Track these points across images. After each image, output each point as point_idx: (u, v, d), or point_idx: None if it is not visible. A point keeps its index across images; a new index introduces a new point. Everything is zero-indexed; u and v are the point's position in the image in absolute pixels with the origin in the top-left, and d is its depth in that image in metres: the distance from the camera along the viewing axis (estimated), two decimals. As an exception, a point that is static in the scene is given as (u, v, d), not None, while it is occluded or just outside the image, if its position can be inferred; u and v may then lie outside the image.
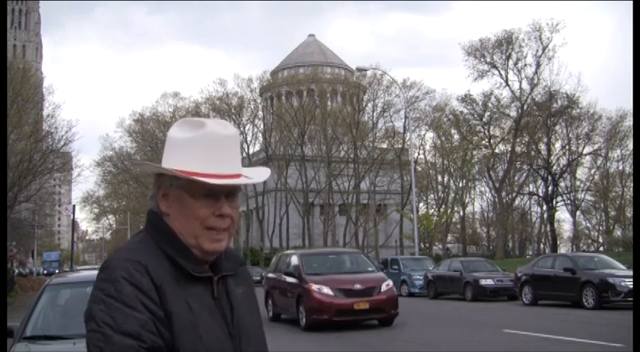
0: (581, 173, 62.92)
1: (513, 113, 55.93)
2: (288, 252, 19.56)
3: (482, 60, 54.84)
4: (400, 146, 61.28)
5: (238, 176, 1.65)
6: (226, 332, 1.64)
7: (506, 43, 54.07)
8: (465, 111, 58.78)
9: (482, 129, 58.75)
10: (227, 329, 1.65)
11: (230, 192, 1.65)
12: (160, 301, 1.55)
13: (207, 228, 1.63)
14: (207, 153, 1.63)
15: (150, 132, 73.18)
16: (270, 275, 17.59)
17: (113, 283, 1.54)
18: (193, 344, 1.55)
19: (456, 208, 68.32)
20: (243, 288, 1.77)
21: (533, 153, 55.11)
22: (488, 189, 68.06)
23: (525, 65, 54.14)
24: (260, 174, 1.74)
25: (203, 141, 1.63)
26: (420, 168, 64.29)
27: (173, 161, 1.64)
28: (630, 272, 17.92)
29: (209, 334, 1.59)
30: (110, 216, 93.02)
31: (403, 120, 60.76)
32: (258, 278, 34.21)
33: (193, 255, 1.64)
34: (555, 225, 59.49)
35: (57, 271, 64.39)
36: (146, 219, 1.73)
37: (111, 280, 1.54)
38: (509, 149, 56.56)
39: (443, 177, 69.00)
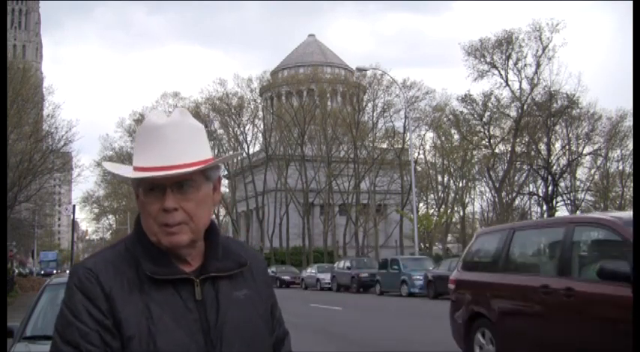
0: (581, 173, 62.98)
1: (513, 113, 55.93)
2: None
3: (482, 60, 54.84)
4: (400, 146, 61.30)
5: (182, 166, 1.54)
6: (198, 337, 1.54)
7: (506, 43, 54.06)
8: (465, 111, 58.80)
9: (482, 129, 58.74)
10: (203, 334, 1.55)
11: (177, 184, 1.56)
12: (109, 309, 1.51)
13: (160, 224, 1.56)
14: (141, 146, 1.59)
15: (150, 132, 73.16)
16: None
17: (68, 290, 1.55)
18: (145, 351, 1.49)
19: (456, 208, 68.33)
20: (247, 291, 1.67)
21: (533, 153, 55.11)
22: (488, 189, 68.06)
23: (525, 65, 54.15)
24: (217, 158, 1.64)
25: (140, 134, 1.60)
26: (420, 168, 64.29)
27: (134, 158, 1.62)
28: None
29: (168, 339, 1.50)
30: (110, 216, 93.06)
31: (403, 120, 60.85)
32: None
33: (163, 255, 1.58)
34: (555, 225, 59.45)
35: (55, 271, 63.16)
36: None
37: (67, 287, 1.56)
38: (509, 149, 56.55)
39: (443, 177, 69.00)
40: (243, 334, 1.61)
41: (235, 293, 1.64)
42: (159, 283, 1.56)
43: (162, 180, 1.55)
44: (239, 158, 67.62)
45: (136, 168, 1.57)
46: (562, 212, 62.34)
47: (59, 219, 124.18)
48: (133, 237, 1.64)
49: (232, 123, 67.23)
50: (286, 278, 42.10)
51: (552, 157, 56.14)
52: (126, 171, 1.63)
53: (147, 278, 1.56)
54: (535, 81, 54.12)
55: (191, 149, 1.58)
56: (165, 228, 1.56)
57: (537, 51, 53.28)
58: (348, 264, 35.34)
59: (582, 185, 62.66)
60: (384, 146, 63.44)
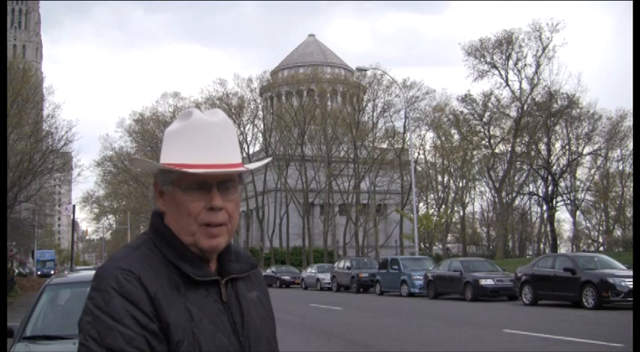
0: (581, 173, 63.02)
1: (513, 113, 55.93)
2: None
3: (482, 60, 54.85)
4: (400, 146, 61.29)
5: (233, 166, 1.55)
6: (233, 339, 1.54)
7: (506, 43, 54.06)
8: (465, 111, 58.81)
9: (482, 129, 58.73)
10: (235, 336, 1.55)
11: (222, 184, 1.55)
12: (155, 312, 1.45)
13: (201, 224, 1.53)
14: (192, 143, 1.54)
15: (150, 132, 73.22)
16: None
17: (101, 293, 1.45)
18: None
19: (456, 208, 68.32)
20: (257, 293, 1.68)
21: (533, 153, 55.09)
22: (488, 189, 68.11)
23: (525, 65, 54.16)
24: (257, 163, 1.68)
25: (189, 131, 1.54)
26: (420, 168, 64.30)
27: (166, 155, 1.56)
28: (630, 272, 17.93)
29: (210, 342, 1.49)
30: (110, 216, 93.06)
31: (403, 120, 60.84)
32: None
33: (194, 256, 1.55)
34: (555, 225, 59.50)
35: (52, 272, 59.02)
36: (149, 221, 1.64)
37: (100, 290, 1.46)
38: (509, 149, 56.54)
39: (443, 177, 69.01)
40: (263, 334, 1.63)
41: (249, 295, 1.65)
42: (194, 285, 1.52)
43: (211, 178, 1.52)
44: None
45: (182, 165, 1.51)
46: (562, 212, 62.47)
47: (59, 219, 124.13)
48: (157, 237, 1.57)
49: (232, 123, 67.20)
50: (286, 278, 42.08)
51: (552, 157, 56.13)
52: (150, 165, 1.58)
53: (182, 280, 1.51)
54: (535, 81, 54.16)
55: (235, 150, 1.59)
56: (207, 229, 1.53)
57: (537, 51, 53.32)
58: (348, 263, 35.32)
59: (582, 185, 62.66)
60: (384, 146, 63.42)
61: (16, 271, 49.35)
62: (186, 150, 1.53)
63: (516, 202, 63.56)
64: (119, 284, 1.45)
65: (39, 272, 64.25)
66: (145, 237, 1.59)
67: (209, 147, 1.54)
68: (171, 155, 1.54)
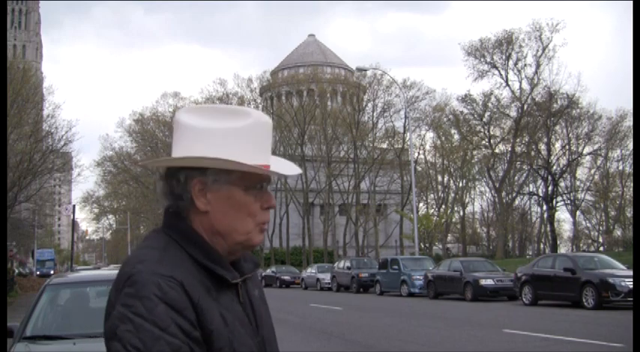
0: (581, 173, 63.03)
1: (513, 113, 55.96)
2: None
3: (482, 60, 54.88)
4: (400, 146, 61.30)
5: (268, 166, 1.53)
6: (254, 339, 1.53)
7: (506, 43, 54.09)
8: (465, 111, 58.85)
9: (482, 129, 58.76)
10: (254, 336, 1.54)
11: (267, 183, 1.56)
12: (197, 320, 1.39)
13: (258, 223, 1.53)
14: (258, 143, 1.50)
15: (150, 132, 73.28)
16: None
17: (143, 301, 1.36)
18: None
19: (456, 208, 68.34)
20: (258, 290, 1.68)
21: (533, 153, 55.11)
22: (488, 189, 68.13)
23: (525, 65, 54.21)
24: (290, 167, 1.64)
25: (254, 131, 1.49)
26: (420, 168, 64.31)
27: (228, 153, 1.46)
28: (630, 272, 17.93)
29: (242, 345, 1.47)
30: (110, 216, 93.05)
31: (403, 120, 60.86)
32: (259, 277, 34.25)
33: (221, 258, 1.51)
34: (555, 225, 59.52)
35: (52, 272, 57.25)
36: (166, 220, 1.55)
37: (140, 297, 1.36)
38: (509, 149, 56.57)
39: (443, 177, 69.03)
40: (272, 332, 1.65)
41: (254, 293, 1.65)
42: (222, 288, 1.49)
43: (268, 179, 1.53)
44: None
45: (260, 166, 1.48)
46: (562, 212, 62.46)
47: (59, 219, 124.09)
48: (182, 238, 1.50)
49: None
50: (286, 278, 42.07)
51: (552, 157, 56.15)
52: (235, 165, 1.48)
53: (212, 283, 1.47)
54: (535, 81, 54.19)
55: None
56: (262, 226, 1.54)
57: (537, 51, 53.36)
58: (348, 263, 35.32)
59: (582, 185, 62.67)
60: (384, 146, 63.44)
61: (16, 271, 49.31)
62: (255, 150, 1.49)
63: (516, 202, 63.60)
64: (162, 291, 1.38)
65: (38, 273, 61.82)
66: (166, 237, 1.51)
67: (267, 146, 1.53)
68: (236, 154, 1.46)
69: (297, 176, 61.34)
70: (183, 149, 1.48)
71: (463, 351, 11.47)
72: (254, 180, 1.51)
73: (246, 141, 1.48)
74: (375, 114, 64.12)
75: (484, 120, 57.47)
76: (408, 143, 48.75)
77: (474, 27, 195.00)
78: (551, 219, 57.17)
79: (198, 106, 1.55)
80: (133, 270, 1.42)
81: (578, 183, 61.83)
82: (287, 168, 1.60)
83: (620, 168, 64.09)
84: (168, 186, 1.53)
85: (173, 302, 1.37)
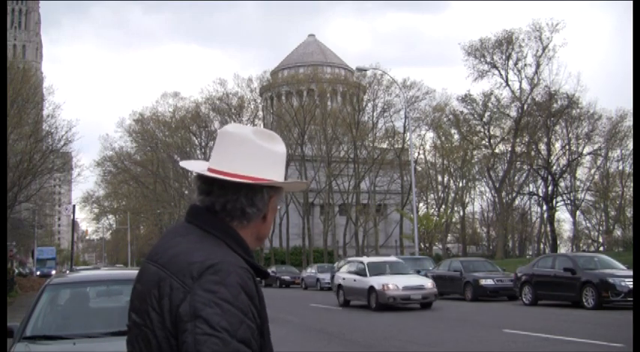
0: (581, 173, 63.03)
1: (513, 113, 55.97)
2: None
3: (482, 60, 54.89)
4: (400, 146, 61.30)
5: None
6: (269, 330, 1.74)
7: (506, 43, 54.10)
8: (465, 111, 58.87)
9: (482, 129, 58.78)
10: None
11: None
12: (257, 309, 1.61)
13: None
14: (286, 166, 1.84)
15: (150, 132, 73.27)
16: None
17: (228, 288, 1.54)
18: (268, 348, 1.69)
19: (456, 208, 68.36)
20: None
21: (533, 153, 55.11)
22: (488, 189, 68.14)
23: (525, 65, 54.21)
24: (299, 184, 1.95)
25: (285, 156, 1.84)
26: (420, 168, 64.32)
27: (290, 175, 1.74)
28: (630, 272, 17.92)
29: (269, 337, 1.72)
30: (110, 216, 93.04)
31: (403, 120, 60.88)
32: (258, 278, 34.16)
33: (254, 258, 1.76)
34: (555, 225, 59.52)
35: (53, 271, 55.64)
36: (208, 220, 1.73)
37: (226, 284, 1.55)
38: (509, 149, 56.58)
39: (443, 177, 69.04)
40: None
41: None
42: (257, 283, 1.69)
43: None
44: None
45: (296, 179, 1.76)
46: (562, 212, 62.46)
47: (59, 219, 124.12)
48: (230, 239, 1.70)
49: (232, 123, 67.19)
50: (286, 278, 42.06)
51: (552, 157, 56.15)
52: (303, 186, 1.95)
53: (254, 279, 1.67)
54: (535, 81, 54.18)
55: None
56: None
57: (537, 51, 53.36)
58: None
59: (582, 185, 62.67)
60: (384, 146, 63.43)
61: (16, 271, 49.30)
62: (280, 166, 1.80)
63: (516, 202, 63.61)
64: (243, 280, 1.58)
65: (38, 273, 59.12)
66: (213, 238, 1.70)
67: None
68: (292, 175, 1.77)
69: (297, 176, 61.89)
70: (261, 169, 1.73)
71: (463, 351, 11.47)
72: (282, 196, 1.84)
73: (283, 163, 1.80)
74: (375, 114, 64.18)
75: (484, 120, 57.49)
76: (408, 143, 48.77)
77: (474, 27, 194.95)
78: (551, 219, 57.18)
79: (256, 128, 1.80)
80: (214, 260, 1.59)
81: (578, 183, 61.86)
82: (298, 183, 1.92)
83: (620, 168, 64.14)
84: (249, 199, 1.74)
85: (250, 291, 1.58)
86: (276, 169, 1.75)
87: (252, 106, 68.43)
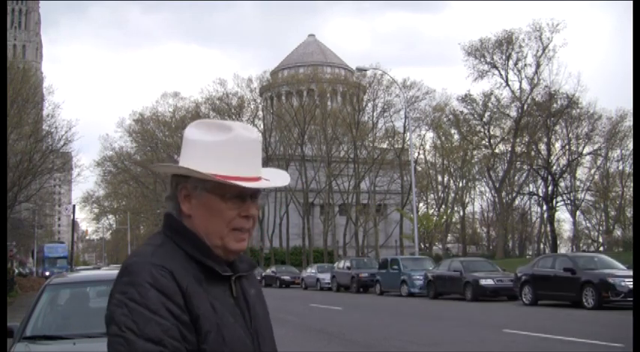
0: (581, 173, 63.02)
1: (513, 113, 55.97)
2: None
3: (482, 60, 54.89)
4: (400, 146, 61.28)
5: (259, 179, 1.69)
6: (247, 332, 1.67)
7: (506, 43, 54.09)
8: (465, 111, 58.86)
9: (482, 129, 58.77)
10: (247, 328, 1.68)
11: (254, 194, 1.69)
12: (185, 305, 1.56)
13: (233, 228, 1.66)
14: (236, 157, 1.65)
15: (150, 132, 73.24)
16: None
17: (136, 287, 1.53)
18: (218, 346, 1.58)
19: (456, 208, 68.36)
20: (255, 290, 1.81)
21: (533, 153, 55.10)
22: (488, 189, 68.14)
23: (525, 65, 54.20)
24: (281, 179, 1.78)
25: (232, 145, 1.65)
26: (420, 168, 64.30)
27: (199, 164, 1.63)
28: (630, 272, 17.92)
29: (232, 334, 1.62)
30: (110, 216, 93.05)
31: (403, 120, 60.83)
32: (258, 277, 34.22)
33: (216, 256, 1.66)
34: (555, 225, 59.51)
35: (65, 271, 47.29)
36: (164, 221, 1.73)
37: (134, 284, 1.54)
38: (509, 149, 56.58)
39: (443, 177, 69.05)
40: (266, 327, 1.78)
41: (250, 292, 1.78)
42: (214, 281, 1.64)
43: (252, 190, 1.65)
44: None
45: (229, 178, 1.62)
46: (562, 212, 62.45)
47: (59, 219, 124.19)
48: (178, 237, 1.67)
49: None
50: (286, 278, 42.05)
51: (552, 157, 56.13)
52: (202, 175, 1.65)
53: (204, 275, 1.63)
54: (535, 81, 54.19)
55: (261, 163, 1.74)
56: (236, 233, 1.67)
57: (537, 51, 53.35)
58: (348, 264, 35.30)
59: (582, 185, 62.66)
60: (384, 146, 63.41)
61: (16, 271, 49.27)
62: (229, 163, 1.64)
63: (516, 202, 63.62)
64: (154, 278, 1.54)
65: (47, 273, 49.50)
66: (163, 236, 1.69)
67: (249, 162, 1.67)
68: (213, 166, 1.63)
69: (297, 176, 61.95)
70: (181, 159, 1.68)
71: (463, 351, 11.48)
72: (233, 190, 1.64)
73: (225, 154, 1.64)
74: (375, 114, 64.15)
75: (484, 120, 57.49)
76: (408, 143, 48.76)
77: (474, 27, 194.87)
78: (551, 219, 57.17)
79: (202, 121, 1.72)
80: (128, 262, 1.61)
81: (578, 183, 61.85)
82: (277, 179, 1.76)
83: (620, 168, 64.14)
84: (169, 189, 1.73)
85: (163, 288, 1.54)
86: (192, 157, 1.65)
87: (252, 106, 68.44)
